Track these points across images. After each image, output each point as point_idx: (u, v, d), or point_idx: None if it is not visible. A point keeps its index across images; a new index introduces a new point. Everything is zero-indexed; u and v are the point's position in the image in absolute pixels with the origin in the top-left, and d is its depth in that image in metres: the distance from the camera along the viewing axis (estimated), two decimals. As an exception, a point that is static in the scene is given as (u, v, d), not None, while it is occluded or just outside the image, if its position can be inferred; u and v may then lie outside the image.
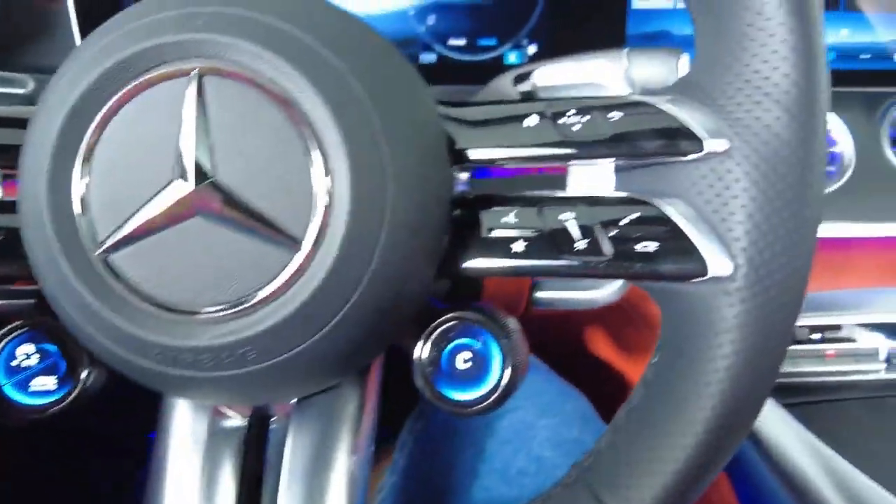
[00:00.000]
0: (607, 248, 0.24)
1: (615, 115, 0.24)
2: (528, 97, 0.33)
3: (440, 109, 0.26)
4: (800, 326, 0.53)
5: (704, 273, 0.23)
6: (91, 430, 0.51)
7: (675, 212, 0.23)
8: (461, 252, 0.26)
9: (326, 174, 0.21)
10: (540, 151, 0.25)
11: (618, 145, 0.24)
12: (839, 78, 0.56)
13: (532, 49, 0.55)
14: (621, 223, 0.24)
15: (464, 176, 0.27)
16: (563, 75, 0.31)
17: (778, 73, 0.22)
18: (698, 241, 0.23)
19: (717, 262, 0.23)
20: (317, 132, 0.21)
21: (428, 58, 0.54)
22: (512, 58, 0.55)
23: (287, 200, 0.21)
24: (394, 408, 0.52)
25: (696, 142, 0.23)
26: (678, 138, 0.23)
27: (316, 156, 0.21)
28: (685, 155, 0.23)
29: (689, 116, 0.23)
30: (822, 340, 0.53)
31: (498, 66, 0.54)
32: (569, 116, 0.25)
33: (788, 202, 0.22)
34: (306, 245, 0.21)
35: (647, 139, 0.24)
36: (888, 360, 0.53)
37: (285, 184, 0.21)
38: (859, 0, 0.56)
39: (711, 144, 0.23)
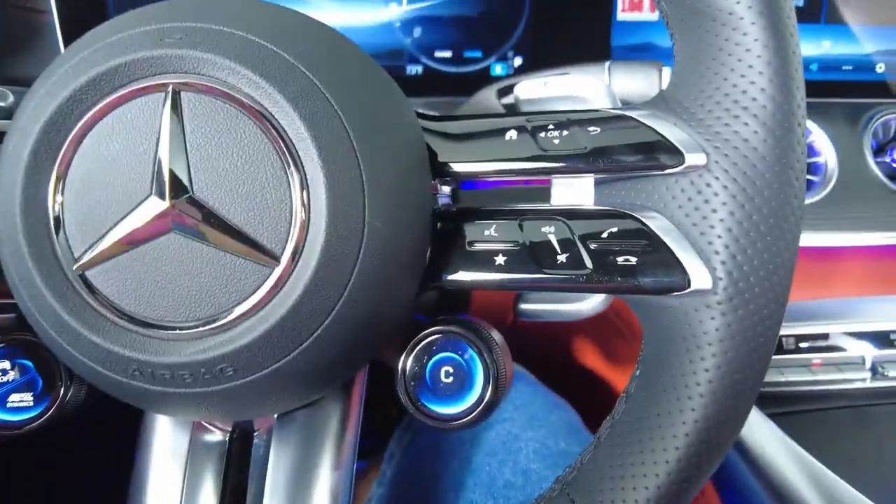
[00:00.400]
0: (588, 262, 0.24)
1: (594, 129, 0.24)
2: (512, 110, 0.33)
3: (422, 123, 0.26)
4: (785, 336, 0.54)
5: (685, 287, 0.23)
6: (73, 443, 0.51)
7: (655, 225, 0.23)
8: (444, 265, 0.25)
9: (303, 189, 0.21)
10: (521, 165, 0.25)
11: (597, 159, 0.24)
12: (821, 89, 0.57)
13: (517, 61, 0.55)
14: (602, 236, 0.24)
15: (446, 189, 0.27)
16: (545, 89, 0.31)
17: (755, 87, 0.22)
18: (679, 255, 0.23)
19: (697, 276, 0.23)
20: (293, 147, 0.21)
21: (414, 69, 0.54)
22: (498, 69, 0.55)
23: (264, 215, 0.21)
24: (382, 420, 0.51)
25: (676, 155, 0.23)
26: (657, 152, 0.23)
27: (293, 171, 0.21)
28: (664, 169, 0.23)
29: (668, 130, 0.23)
30: (808, 350, 0.53)
31: (484, 78, 0.54)
32: (549, 131, 0.25)
33: (766, 216, 0.22)
34: (284, 260, 0.21)
35: (626, 153, 0.24)
36: (873, 369, 0.53)
37: (262, 199, 0.21)
38: (839, 13, 0.57)
39: (690, 158, 0.23)
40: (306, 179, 0.21)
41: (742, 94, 0.22)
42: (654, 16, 0.55)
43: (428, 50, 0.54)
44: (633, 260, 0.24)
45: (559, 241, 0.25)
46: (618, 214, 0.24)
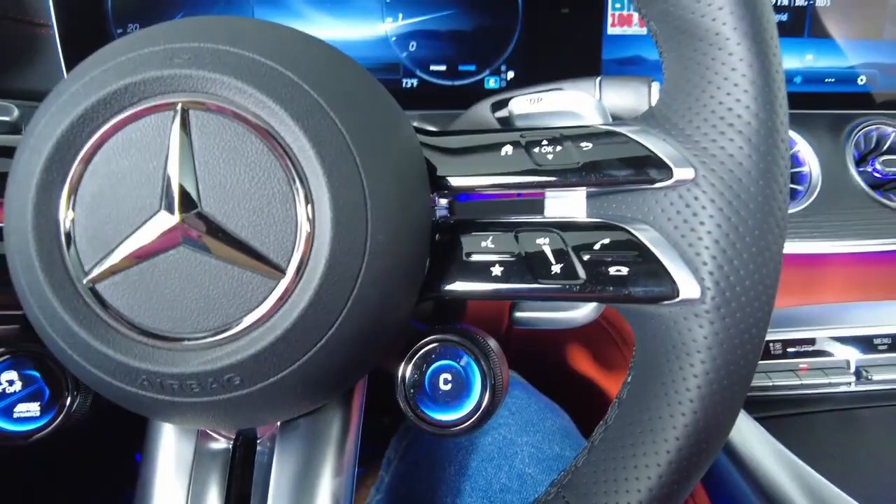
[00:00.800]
0: (581, 272, 0.25)
1: (586, 144, 0.25)
2: (506, 124, 0.34)
3: (420, 138, 0.27)
4: (772, 341, 0.55)
5: (674, 296, 0.24)
6: (78, 451, 0.51)
7: (645, 237, 0.24)
8: (442, 276, 0.26)
9: (308, 204, 0.21)
10: (516, 179, 0.26)
11: (589, 173, 0.25)
12: (805, 101, 0.58)
13: (510, 75, 0.56)
14: (594, 248, 0.25)
15: (444, 201, 0.28)
16: (539, 105, 0.32)
17: (740, 105, 0.23)
18: (668, 265, 0.24)
19: (686, 286, 0.24)
20: (299, 164, 0.21)
21: (410, 83, 0.55)
22: (491, 83, 0.57)
23: (270, 230, 0.22)
24: (380, 426, 0.52)
25: (665, 170, 0.24)
26: (647, 167, 0.24)
27: (298, 186, 0.21)
28: (654, 182, 0.24)
29: (657, 146, 0.24)
30: (795, 355, 0.55)
31: (478, 91, 0.55)
32: (543, 146, 0.26)
33: (752, 228, 0.23)
34: (290, 273, 0.22)
35: (617, 168, 0.25)
36: (857, 374, 0.55)
37: (268, 214, 0.22)
38: (822, 27, 0.58)
39: (679, 173, 0.24)
40: (311, 195, 0.21)
41: (728, 112, 0.23)
42: (644, 30, 0.57)
43: (423, 64, 0.55)
44: (625, 270, 0.25)
45: (553, 252, 0.26)
46: (609, 226, 0.25)
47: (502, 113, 0.38)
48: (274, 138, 0.22)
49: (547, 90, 0.35)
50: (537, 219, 0.27)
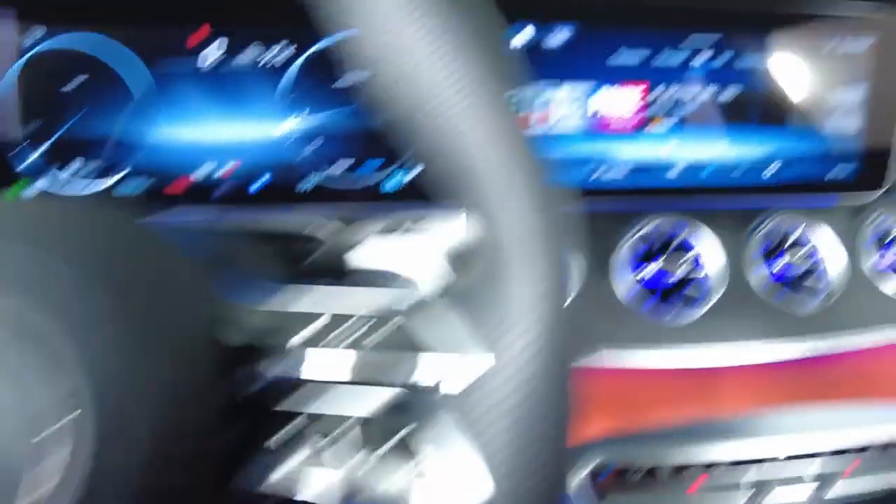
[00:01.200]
0: (384, 473, 0.25)
1: (392, 326, 0.25)
2: (350, 273, 0.34)
3: (225, 325, 0.26)
4: (663, 464, 0.52)
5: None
6: None
7: (435, 434, 0.24)
8: (243, 467, 0.25)
9: (74, 412, 0.20)
10: (330, 373, 0.26)
11: (386, 373, 0.25)
12: (712, 194, 0.58)
13: (417, 168, 0.56)
14: (389, 443, 0.25)
15: (250, 385, 0.27)
16: (388, 252, 0.32)
17: (530, 301, 0.24)
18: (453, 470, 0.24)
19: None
20: (62, 371, 0.20)
21: (309, 181, 0.54)
22: (398, 176, 0.56)
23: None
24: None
25: (465, 359, 0.24)
26: (444, 362, 0.24)
27: (61, 388, 0.20)
28: (450, 374, 0.24)
29: (457, 333, 0.25)
30: (686, 475, 0.52)
31: (376, 190, 0.55)
32: (360, 333, 0.26)
33: (538, 435, 0.23)
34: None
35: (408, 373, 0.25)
36: (755, 491, 0.53)
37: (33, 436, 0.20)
38: (731, 116, 0.59)
39: (474, 363, 0.24)
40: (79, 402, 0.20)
41: (519, 307, 0.24)
42: (556, 129, 0.57)
43: (327, 160, 0.54)
44: (416, 472, 0.24)
45: (349, 446, 0.25)
46: (405, 425, 0.25)
47: (360, 252, 0.38)
48: (49, 351, 0.21)
49: (412, 227, 0.35)
50: (336, 410, 0.26)
